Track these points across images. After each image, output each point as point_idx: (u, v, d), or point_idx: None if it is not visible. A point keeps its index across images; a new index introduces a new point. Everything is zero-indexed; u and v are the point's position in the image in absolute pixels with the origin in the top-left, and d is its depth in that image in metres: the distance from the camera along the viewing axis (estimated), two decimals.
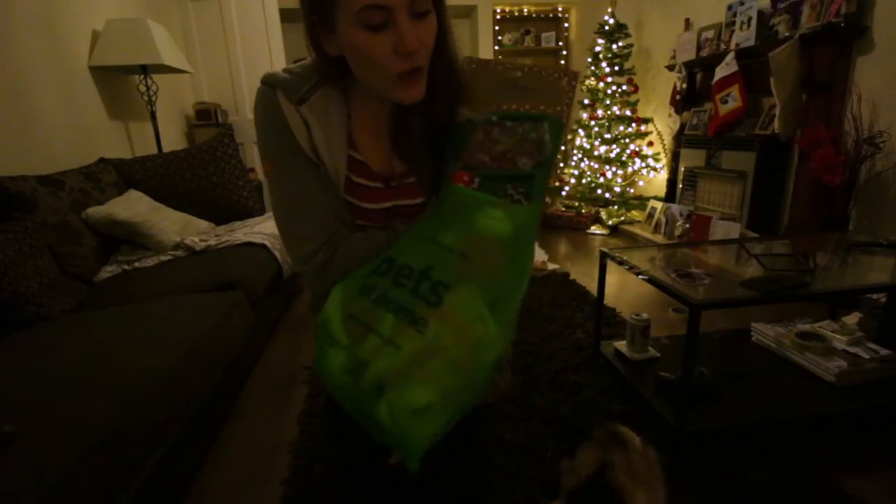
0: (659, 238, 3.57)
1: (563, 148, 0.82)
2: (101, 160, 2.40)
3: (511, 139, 0.73)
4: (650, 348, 1.66)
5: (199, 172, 2.54)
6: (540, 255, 3.29)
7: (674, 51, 3.62)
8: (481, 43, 5.35)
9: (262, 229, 2.34)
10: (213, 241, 2.15)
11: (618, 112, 4.02)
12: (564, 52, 5.66)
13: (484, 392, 0.73)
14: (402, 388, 0.61)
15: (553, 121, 0.74)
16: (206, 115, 3.81)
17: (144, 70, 2.78)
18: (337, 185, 0.79)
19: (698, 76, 3.50)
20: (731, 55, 2.94)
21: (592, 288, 2.59)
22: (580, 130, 4.29)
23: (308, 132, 0.75)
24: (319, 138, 0.75)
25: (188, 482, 1.31)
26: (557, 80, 0.80)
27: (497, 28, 5.38)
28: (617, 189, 4.06)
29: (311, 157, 0.77)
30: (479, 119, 0.75)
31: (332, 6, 0.66)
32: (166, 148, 3.13)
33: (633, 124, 4.02)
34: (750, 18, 2.86)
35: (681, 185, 3.60)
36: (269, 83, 0.75)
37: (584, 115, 4.23)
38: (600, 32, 4.04)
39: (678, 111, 3.62)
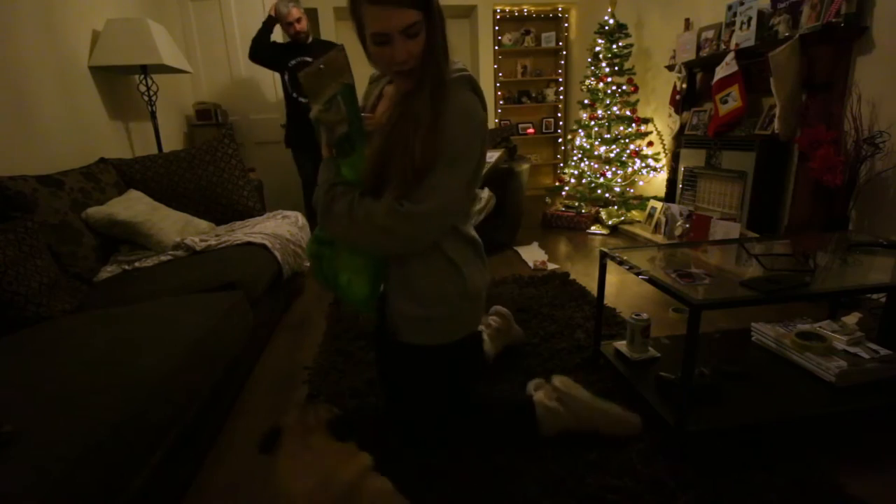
0: (659, 238, 3.57)
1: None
2: (102, 160, 2.40)
3: (337, 116, 1.08)
4: (650, 348, 1.66)
5: (199, 172, 2.54)
6: (540, 254, 3.29)
7: (674, 51, 3.62)
8: (481, 43, 5.34)
9: (262, 229, 2.34)
10: (213, 241, 2.15)
11: (618, 112, 4.02)
12: (564, 52, 5.67)
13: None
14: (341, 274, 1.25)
15: (343, 90, 1.06)
16: (206, 115, 3.82)
17: (144, 70, 2.78)
18: None
19: (698, 76, 3.50)
20: (731, 55, 2.94)
21: (592, 288, 2.59)
22: (580, 130, 4.29)
23: None
24: None
25: (188, 482, 1.31)
26: (336, 57, 1.08)
27: (497, 28, 5.38)
28: (617, 189, 4.06)
29: None
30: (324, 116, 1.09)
31: (362, 24, 1.05)
32: (166, 148, 3.13)
33: (633, 124, 4.01)
34: (750, 18, 2.86)
35: (681, 185, 3.60)
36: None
37: (584, 116, 4.24)
38: (600, 32, 4.04)
39: (678, 111, 3.62)
